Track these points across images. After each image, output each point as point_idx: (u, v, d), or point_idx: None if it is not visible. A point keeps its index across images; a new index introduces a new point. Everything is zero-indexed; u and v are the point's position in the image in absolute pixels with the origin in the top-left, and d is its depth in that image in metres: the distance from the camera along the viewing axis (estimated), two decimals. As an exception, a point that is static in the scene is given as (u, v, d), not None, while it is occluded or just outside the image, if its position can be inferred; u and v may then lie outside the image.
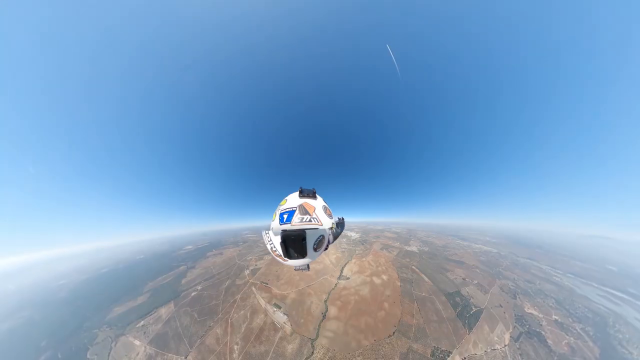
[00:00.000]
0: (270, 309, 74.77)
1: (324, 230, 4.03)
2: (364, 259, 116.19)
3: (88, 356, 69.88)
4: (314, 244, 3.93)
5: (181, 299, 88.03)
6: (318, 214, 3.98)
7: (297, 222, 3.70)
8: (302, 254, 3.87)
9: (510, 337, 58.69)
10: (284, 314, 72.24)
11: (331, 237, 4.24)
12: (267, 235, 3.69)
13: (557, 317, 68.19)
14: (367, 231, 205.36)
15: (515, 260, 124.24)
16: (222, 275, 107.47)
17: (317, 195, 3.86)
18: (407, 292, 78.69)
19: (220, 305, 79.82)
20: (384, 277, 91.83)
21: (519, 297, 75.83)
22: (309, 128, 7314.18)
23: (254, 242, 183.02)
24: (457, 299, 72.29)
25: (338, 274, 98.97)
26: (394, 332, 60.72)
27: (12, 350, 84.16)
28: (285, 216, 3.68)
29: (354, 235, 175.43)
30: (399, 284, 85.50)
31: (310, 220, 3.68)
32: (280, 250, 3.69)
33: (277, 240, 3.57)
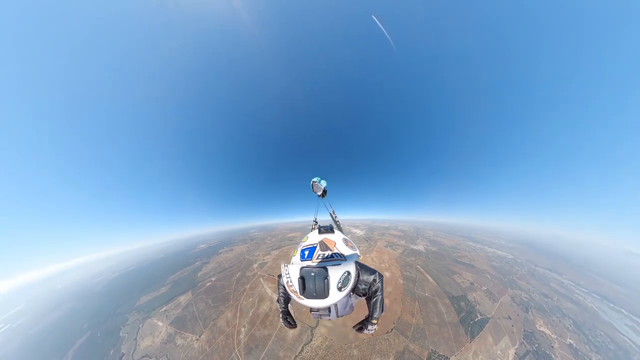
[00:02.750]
0: (276, 297, 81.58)
1: (349, 264, 3.44)
2: (367, 255, 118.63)
3: (120, 334, 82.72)
4: (339, 282, 3.29)
5: (197, 288, 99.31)
6: (339, 248, 3.69)
7: (318, 259, 3.45)
8: (324, 293, 3.22)
9: (515, 354, 54.20)
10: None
11: (356, 273, 3.50)
12: (286, 268, 3.32)
13: (572, 342, 61.07)
14: (372, 228, 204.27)
15: (533, 269, 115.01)
16: (233, 268, 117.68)
17: (334, 230, 3.68)
18: (410, 290, 77.89)
19: (231, 293, 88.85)
20: (387, 274, 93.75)
21: (532, 312, 69.68)
22: (310, 124, 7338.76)
23: (261, 240, 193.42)
24: (462, 303, 68.94)
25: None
26: (392, 329, 60.64)
27: (61, 332, 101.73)
28: (306, 252, 3.47)
29: (358, 232, 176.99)
30: (401, 282, 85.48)
31: (332, 256, 3.38)
32: (296, 286, 3.21)
33: (295, 275, 3.18)
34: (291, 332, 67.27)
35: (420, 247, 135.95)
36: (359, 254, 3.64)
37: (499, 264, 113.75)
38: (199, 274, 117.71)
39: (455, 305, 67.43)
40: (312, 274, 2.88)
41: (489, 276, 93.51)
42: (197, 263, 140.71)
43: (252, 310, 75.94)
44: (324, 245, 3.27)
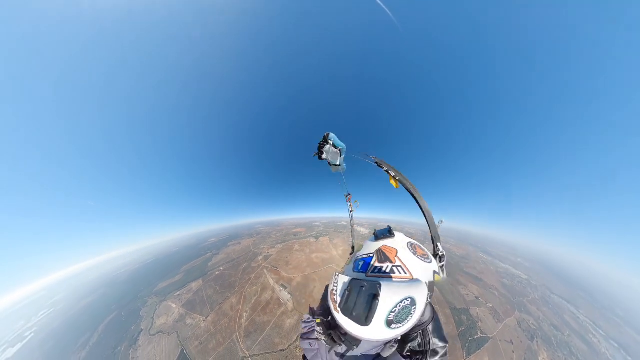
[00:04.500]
0: (278, 288, 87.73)
1: (417, 287, 1.88)
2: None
3: (140, 314, 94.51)
4: (392, 312, 1.88)
5: (207, 276, 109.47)
6: (403, 259, 1.95)
7: (372, 274, 1.99)
8: (364, 318, 1.88)
9: (510, 383, 50.30)
10: (289, 293, 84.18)
11: (426, 309, 1.84)
12: (336, 276, 2.01)
13: (573, 386, 55.97)
14: (378, 228, 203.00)
15: (548, 296, 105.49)
16: (240, 259, 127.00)
17: (394, 232, 1.95)
18: None
19: (237, 281, 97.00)
20: None
21: (537, 341, 65.92)
22: (316, 119, 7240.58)
23: (266, 234, 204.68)
24: (464, 317, 66.43)
25: (343, 264, 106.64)
26: None
27: (94, 312, 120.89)
28: (360, 264, 2.01)
29: (363, 230, 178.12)
30: None
31: (391, 270, 1.89)
32: (338, 297, 1.97)
33: (342, 285, 2.01)
34: (288, 322, 72.69)
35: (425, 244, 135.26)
36: (437, 270, 1.91)
37: (511, 283, 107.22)
38: (209, 264, 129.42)
39: (456, 318, 65.42)
40: (362, 286, 1.88)
41: (496, 293, 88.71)
42: (207, 254, 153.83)
43: (254, 298, 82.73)
44: (382, 255, 1.96)
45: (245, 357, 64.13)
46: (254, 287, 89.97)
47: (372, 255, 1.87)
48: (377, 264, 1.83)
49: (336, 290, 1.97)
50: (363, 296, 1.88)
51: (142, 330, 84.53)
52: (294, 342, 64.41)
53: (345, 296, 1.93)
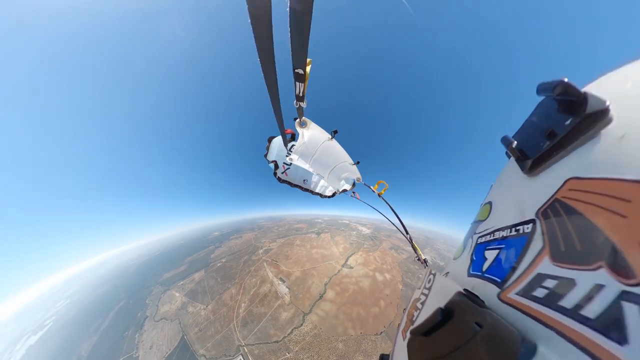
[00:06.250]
0: (276, 281, 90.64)
1: None
2: (370, 253, 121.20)
3: (146, 302, 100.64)
4: None
5: (210, 268, 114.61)
6: None
7: (524, 297, 0.37)
8: None
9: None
10: (287, 287, 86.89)
11: None
12: (431, 276, 0.77)
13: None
14: (379, 229, 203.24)
15: None
16: (241, 252, 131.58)
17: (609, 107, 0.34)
18: (408, 298, 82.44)
19: (238, 273, 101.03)
20: (387, 275, 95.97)
21: None
22: (317, 110, 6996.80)
23: (268, 229, 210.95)
24: None
25: (343, 261, 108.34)
26: (381, 332, 63.57)
27: (105, 301, 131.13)
28: (490, 256, 0.51)
29: (365, 230, 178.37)
30: (401, 287, 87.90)
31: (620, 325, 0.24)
32: (422, 314, 0.64)
33: (439, 297, 0.57)
34: (284, 314, 75.32)
35: (427, 257, 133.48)
36: None
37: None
38: (212, 256, 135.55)
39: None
40: (479, 325, 0.31)
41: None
42: (210, 247, 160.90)
43: (253, 290, 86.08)
44: (571, 234, 0.30)
45: (241, 345, 67.57)
46: (254, 279, 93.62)
47: (528, 229, 0.52)
48: (549, 268, 0.41)
49: (422, 303, 0.88)
50: (472, 348, 0.42)
51: (147, 317, 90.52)
52: (288, 334, 66.97)
53: (434, 321, 0.57)
